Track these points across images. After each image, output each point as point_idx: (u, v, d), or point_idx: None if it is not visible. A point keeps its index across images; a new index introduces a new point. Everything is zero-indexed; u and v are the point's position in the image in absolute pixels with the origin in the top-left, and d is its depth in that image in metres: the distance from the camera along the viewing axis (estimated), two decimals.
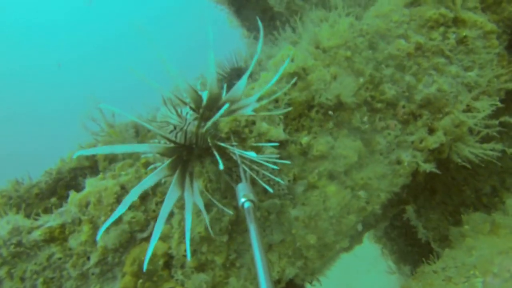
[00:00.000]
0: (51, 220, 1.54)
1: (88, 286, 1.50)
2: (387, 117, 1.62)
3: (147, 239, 1.52)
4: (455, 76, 1.72)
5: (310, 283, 1.73)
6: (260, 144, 1.45)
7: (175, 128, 1.37)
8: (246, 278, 1.49)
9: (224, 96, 1.33)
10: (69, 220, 1.53)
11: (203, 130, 1.30)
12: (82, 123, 2.02)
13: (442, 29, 1.76)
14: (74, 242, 1.52)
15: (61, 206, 2.11)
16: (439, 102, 1.68)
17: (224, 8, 3.23)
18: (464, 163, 1.69)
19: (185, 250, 1.48)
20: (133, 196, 1.11)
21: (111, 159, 2.01)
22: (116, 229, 1.50)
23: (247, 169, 1.33)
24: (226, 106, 1.22)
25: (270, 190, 1.22)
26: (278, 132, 1.51)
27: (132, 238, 1.51)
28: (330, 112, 1.57)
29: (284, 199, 1.50)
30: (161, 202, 1.54)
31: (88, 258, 1.50)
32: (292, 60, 1.63)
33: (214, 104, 1.29)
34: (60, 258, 1.51)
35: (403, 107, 1.63)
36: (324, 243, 1.51)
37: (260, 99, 1.42)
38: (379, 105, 1.60)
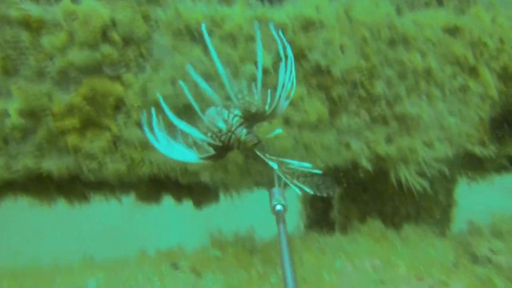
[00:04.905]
0: (34, 10, 1.66)
1: (40, 84, 1.70)
2: (361, 106, 1.85)
3: (113, 78, 1.72)
4: (438, 113, 1.97)
5: None
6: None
7: (220, 130, 1.47)
8: None
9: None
10: (49, 19, 1.67)
11: (243, 139, 1.43)
12: None
13: (457, 69, 1.97)
14: (46, 41, 1.67)
15: None
16: (411, 124, 1.93)
17: None
18: (393, 182, 2.00)
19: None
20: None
21: None
22: (89, 53, 1.67)
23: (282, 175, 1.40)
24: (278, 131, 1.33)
25: (311, 192, 1.39)
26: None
27: (99, 69, 1.69)
28: None
29: None
30: None
31: (52, 60, 1.67)
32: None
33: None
34: (27, 47, 1.67)
35: (380, 107, 1.87)
36: None
37: None
38: (362, 92, 1.83)
